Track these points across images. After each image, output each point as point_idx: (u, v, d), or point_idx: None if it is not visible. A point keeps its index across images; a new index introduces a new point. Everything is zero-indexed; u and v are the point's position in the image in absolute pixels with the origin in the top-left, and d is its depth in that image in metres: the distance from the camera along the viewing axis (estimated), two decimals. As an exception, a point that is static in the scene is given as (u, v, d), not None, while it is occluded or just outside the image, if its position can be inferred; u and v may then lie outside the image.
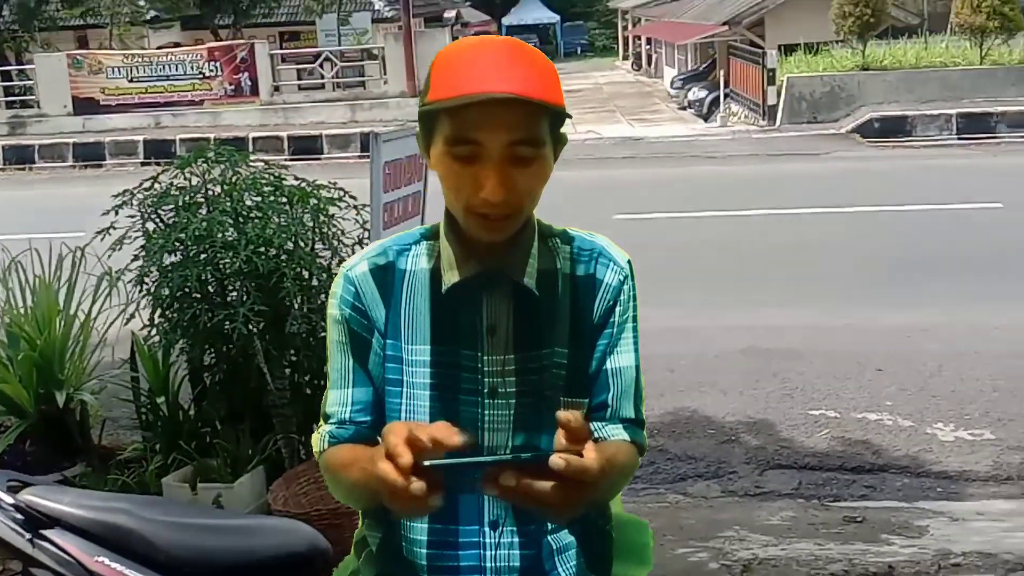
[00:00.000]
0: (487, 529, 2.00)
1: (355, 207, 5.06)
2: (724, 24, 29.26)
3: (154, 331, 4.79)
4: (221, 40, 31.18)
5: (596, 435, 1.98)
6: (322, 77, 28.40)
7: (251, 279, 4.58)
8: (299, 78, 28.74)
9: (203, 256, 4.61)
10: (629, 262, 2.10)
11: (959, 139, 19.25)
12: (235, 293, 4.69)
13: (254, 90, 27.04)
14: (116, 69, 27.34)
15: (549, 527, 2.02)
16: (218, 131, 23.80)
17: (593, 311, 2.06)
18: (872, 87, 21.75)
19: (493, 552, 2.00)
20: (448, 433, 1.59)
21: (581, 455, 1.59)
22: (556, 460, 1.54)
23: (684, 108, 31.13)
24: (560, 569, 2.05)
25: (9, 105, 28.50)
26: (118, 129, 25.60)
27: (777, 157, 18.89)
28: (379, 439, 1.84)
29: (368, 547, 2.12)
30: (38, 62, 28.79)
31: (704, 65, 34.28)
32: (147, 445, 5.01)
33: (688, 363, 7.49)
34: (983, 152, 18.15)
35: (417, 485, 1.55)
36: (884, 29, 23.91)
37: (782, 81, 22.95)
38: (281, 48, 33.55)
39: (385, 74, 27.47)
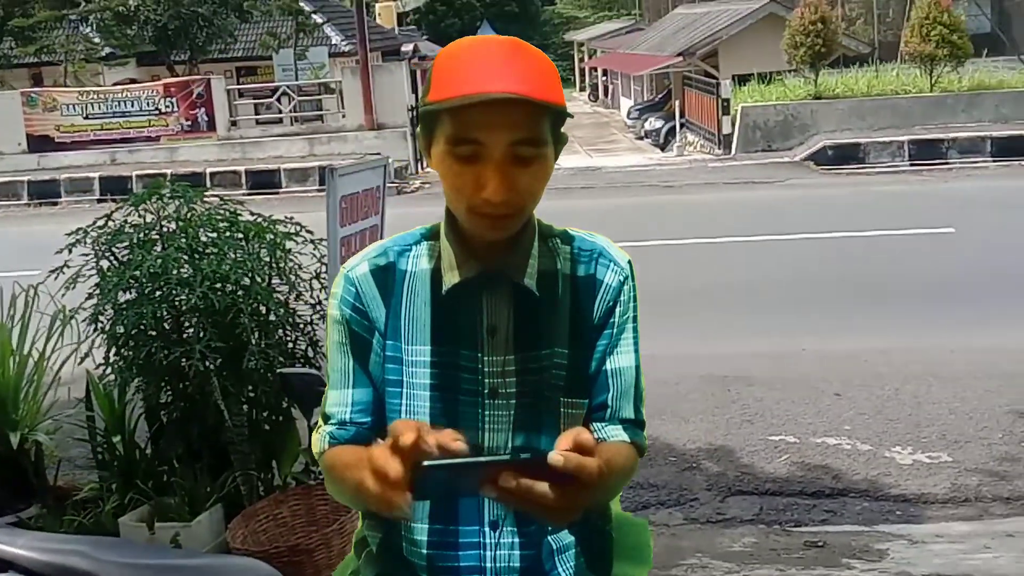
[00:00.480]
0: (487, 529, 1.98)
1: (312, 241, 5.04)
2: (678, 55, 29.60)
3: (109, 370, 4.73)
4: (177, 76, 31.05)
5: (596, 435, 1.98)
6: (280, 111, 28.33)
7: (207, 315, 4.55)
8: (256, 112, 28.71)
9: (158, 293, 4.57)
10: (630, 262, 2.10)
11: (911, 165, 19.46)
12: (191, 330, 4.66)
13: (211, 125, 26.91)
14: (71, 106, 27.12)
15: (549, 527, 2.00)
16: (175, 167, 23.70)
17: (593, 311, 2.05)
18: (825, 115, 21.98)
19: (493, 552, 1.98)
20: (450, 440, 1.58)
21: (579, 451, 1.58)
22: (555, 457, 1.53)
23: (641, 138, 31.45)
24: (560, 569, 2.04)
25: (-37, 144, 28.19)
26: (73, 166, 25.35)
27: (733, 185, 18.99)
28: (378, 441, 1.86)
29: (368, 547, 2.10)
30: (-8, 100, 28.53)
31: (660, 96, 34.61)
32: (103, 485, 4.95)
33: (648, 391, 7.41)
34: (935, 178, 18.35)
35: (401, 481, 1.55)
36: (836, 58, 24.22)
37: (736, 110, 23.17)
38: (238, 83, 33.47)
39: (343, 108, 27.40)
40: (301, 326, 4.94)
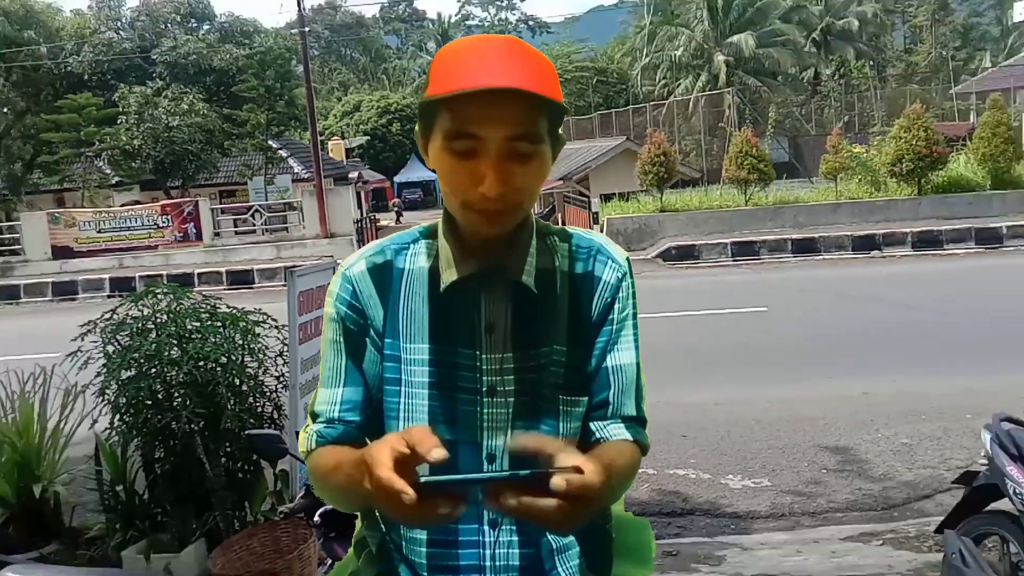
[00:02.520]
0: (487, 528, 1.59)
1: (276, 327, 4.97)
2: (560, 179, 30.00)
3: (113, 432, 4.62)
4: (172, 198, 30.71)
5: (597, 435, 1.63)
6: (253, 225, 28.20)
7: (192, 388, 4.46)
8: (235, 226, 28.45)
9: (153, 371, 4.47)
10: (628, 259, 1.70)
11: (733, 260, 19.87)
12: (179, 399, 4.55)
13: (198, 236, 26.64)
14: (87, 223, 26.70)
15: None
16: (169, 269, 23.35)
17: (592, 308, 1.64)
18: (669, 224, 22.38)
19: (492, 551, 1.59)
20: (428, 447, 1.23)
21: (580, 470, 1.24)
22: (557, 482, 1.21)
23: (532, 243, 31.61)
24: (560, 568, 1.63)
25: (0, 253, 27.58)
26: (88, 270, 24.83)
27: (602, 277, 19.14)
28: (367, 441, 1.56)
29: (368, 547, 1.70)
30: (24, 219, 28.05)
31: (546, 210, 34.95)
32: (109, 525, 4.77)
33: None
34: (751, 270, 18.74)
35: (410, 496, 1.20)
36: (675, 181, 24.79)
37: (604, 221, 23.45)
38: (220, 203, 33.20)
39: (303, 221, 27.41)
40: (268, 394, 4.86)
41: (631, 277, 1.68)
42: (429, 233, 1.65)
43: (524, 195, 1.50)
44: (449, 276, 1.57)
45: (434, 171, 1.55)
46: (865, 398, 8.12)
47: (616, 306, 1.66)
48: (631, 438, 1.64)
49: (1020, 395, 7.41)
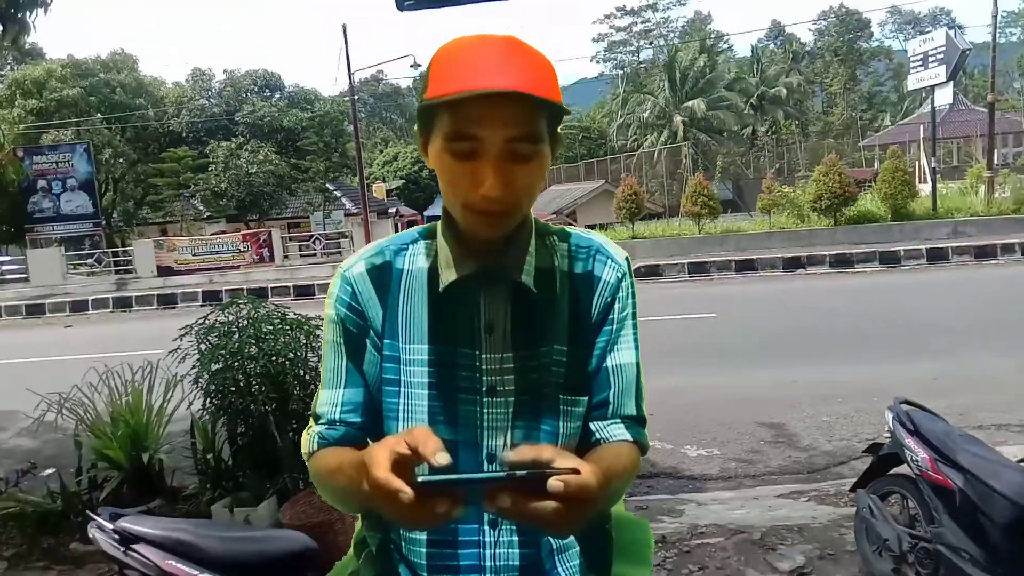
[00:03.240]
0: (486, 528, 1.28)
1: (333, 330, 4.98)
2: (553, 213, 30.08)
3: (205, 412, 4.62)
4: (250, 229, 30.83)
5: (597, 435, 1.32)
6: (314, 250, 28.35)
7: (266, 378, 4.46)
8: (300, 250, 28.60)
9: (236, 364, 4.47)
10: (627, 259, 1.37)
11: (689, 277, 19.82)
12: (256, 387, 4.55)
13: (271, 258, 26.66)
14: (184, 248, 26.78)
15: None
16: (248, 284, 23.34)
17: (591, 308, 1.32)
18: (639, 248, 22.34)
19: (492, 551, 1.28)
20: (432, 449, 0.98)
21: (578, 471, 0.99)
22: (554, 483, 0.96)
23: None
24: (560, 568, 1.32)
25: (117, 272, 27.71)
26: (186, 285, 24.79)
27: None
28: (369, 442, 1.27)
29: (368, 547, 1.37)
30: (135, 245, 28.23)
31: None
32: (201, 485, 4.77)
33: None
34: (704, 284, 18.70)
35: (407, 494, 0.96)
36: (644, 215, 24.82)
37: (587, 246, 23.46)
38: (288, 232, 33.36)
39: (353, 246, 27.53)
40: (326, 382, 4.85)
41: (631, 277, 1.36)
42: (428, 234, 1.34)
43: (524, 195, 1.20)
44: (448, 276, 1.27)
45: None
46: (794, 385, 8.09)
47: (616, 306, 1.34)
48: (631, 439, 1.32)
49: (914, 382, 7.41)
